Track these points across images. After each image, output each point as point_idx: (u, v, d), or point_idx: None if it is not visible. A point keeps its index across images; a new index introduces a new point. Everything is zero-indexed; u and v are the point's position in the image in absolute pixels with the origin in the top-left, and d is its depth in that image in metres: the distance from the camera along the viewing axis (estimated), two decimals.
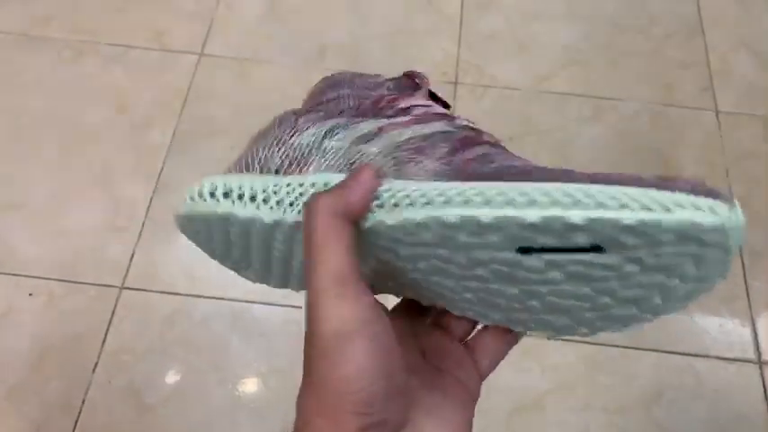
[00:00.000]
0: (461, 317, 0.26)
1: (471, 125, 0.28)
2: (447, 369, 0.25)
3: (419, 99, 0.29)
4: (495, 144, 0.27)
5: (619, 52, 0.96)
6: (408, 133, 0.27)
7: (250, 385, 0.70)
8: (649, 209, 0.19)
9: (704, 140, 0.88)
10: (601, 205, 0.20)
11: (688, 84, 0.93)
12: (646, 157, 0.87)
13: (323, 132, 0.27)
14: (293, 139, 0.26)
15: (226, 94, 0.89)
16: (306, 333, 0.20)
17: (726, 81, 0.93)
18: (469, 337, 0.27)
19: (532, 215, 0.20)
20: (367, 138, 0.26)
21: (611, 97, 0.91)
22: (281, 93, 0.89)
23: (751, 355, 0.73)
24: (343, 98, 0.29)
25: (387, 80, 0.31)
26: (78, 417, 0.68)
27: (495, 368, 0.26)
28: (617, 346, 0.73)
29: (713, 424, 0.70)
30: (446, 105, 0.30)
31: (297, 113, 0.28)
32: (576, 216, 0.19)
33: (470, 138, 0.26)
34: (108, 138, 0.85)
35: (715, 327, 0.75)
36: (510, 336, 0.26)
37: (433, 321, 0.27)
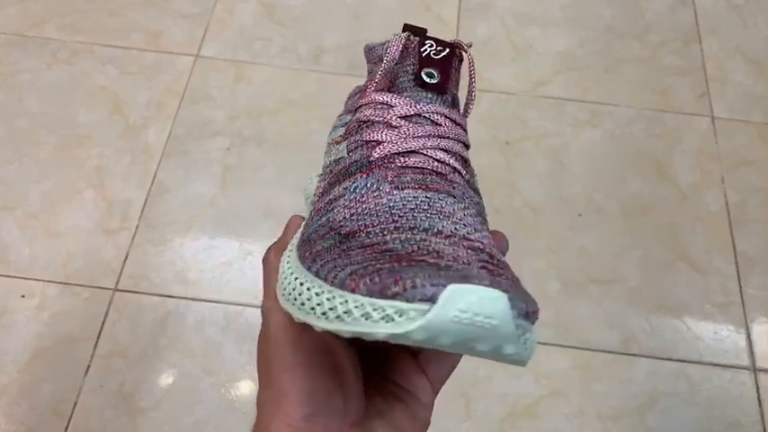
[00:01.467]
0: None
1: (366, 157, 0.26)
2: (402, 380, 0.27)
3: (370, 95, 0.28)
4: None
5: (615, 58, 0.96)
6: (331, 154, 0.27)
7: (243, 389, 0.70)
8: (390, 319, 0.19)
9: (700, 147, 0.88)
10: (357, 321, 0.19)
11: (684, 90, 0.93)
12: (641, 163, 0.87)
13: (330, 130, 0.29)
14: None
15: (221, 97, 0.89)
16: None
17: (722, 88, 0.93)
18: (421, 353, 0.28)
19: (345, 330, 0.19)
20: (330, 146, 0.28)
21: (607, 103, 0.91)
22: (277, 95, 0.89)
23: (745, 361, 0.73)
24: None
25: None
26: (70, 420, 0.67)
27: (443, 382, 0.28)
28: (611, 353, 0.73)
29: (707, 430, 0.70)
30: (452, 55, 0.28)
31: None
32: (348, 332, 0.19)
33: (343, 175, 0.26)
34: (103, 139, 0.85)
35: (709, 333, 0.75)
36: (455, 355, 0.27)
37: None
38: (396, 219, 0.23)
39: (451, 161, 0.26)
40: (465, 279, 0.19)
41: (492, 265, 0.22)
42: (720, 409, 0.71)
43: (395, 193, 0.25)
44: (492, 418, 0.69)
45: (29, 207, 0.79)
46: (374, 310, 0.19)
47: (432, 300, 0.18)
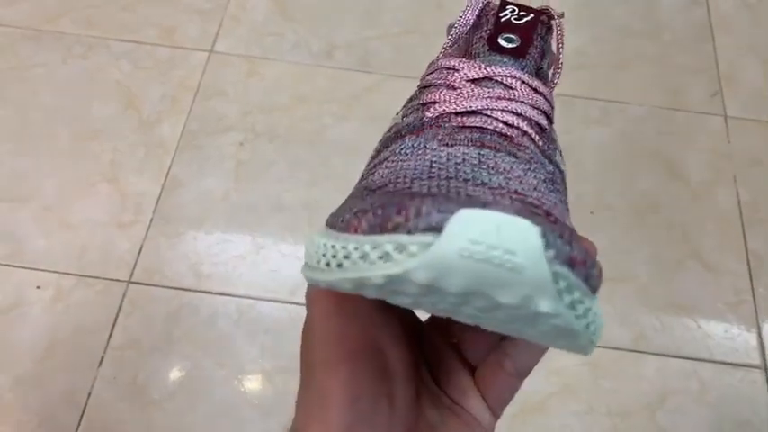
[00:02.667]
0: (479, 342, 0.25)
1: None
2: (456, 395, 0.24)
3: (437, 62, 0.25)
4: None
5: (627, 56, 0.95)
6: (389, 127, 0.25)
7: (255, 382, 0.70)
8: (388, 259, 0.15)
9: (712, 146, 0.88)
10: (355, 265, 0.16)
11: (696, 89, 0.93)
12: (652, 161, 0.87)
13: None
14: None
15: (235, 92, 0.89)
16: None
17: (734, 87, 0.93)
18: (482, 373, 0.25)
19: (344, 279, 0.16)
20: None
21: (619, 101, 0.91)
22: (289, 91, 0.90)
23: (756, 360, 0.73)
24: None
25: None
26: (83, 411, 0.68)
27: (503, 406, 0.25)
28: (621, 350, 0.73)
29: (717, 429, 0.70)
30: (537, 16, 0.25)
31: None
32: (348, 282, 0.16)
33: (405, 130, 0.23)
34: (117, 133, 0.85)
35: (720, 332, 0.75)
36: (513, 379, 0.24)
37: (453, 343, 0.25)
38: (434, 170, 0.20)
39: (522, 124, 0.22)
40: (483, 205, 0.15)
41: (543, 214, 0.17)
42: (731, 407, 0.70)
43: (442, 149, 0.21)
44: (502, 414, 0.69)
45: (44, 200, 0.80)
46: (373, 249, 0.16)
47: (438, 229, 0.15)
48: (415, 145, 0.22)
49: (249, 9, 0.97)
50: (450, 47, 0.26)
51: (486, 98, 0.23)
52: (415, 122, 0.23)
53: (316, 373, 0.21)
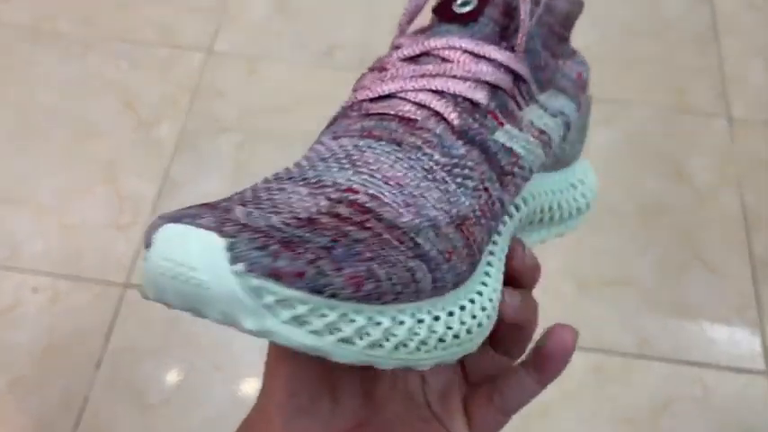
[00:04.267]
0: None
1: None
2: (444, 419, 0.25)
3: (391, 42, 0.24)
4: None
5: (631, 56, 0.95)
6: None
7: (253, 385, 0.70)
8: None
9: (716, 147, 0.87)
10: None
11: (701, 90, 0.92)
12: (657, 163, 0.86)
13: None
14: None
15: (234, 92, 0.89)
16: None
17: (740, 88, 0.92)
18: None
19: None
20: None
21: (623, 101, 0.91)
22: (289, 91, 0.89)
23: (761, 366, 0.72)
24: None
25: None
26: (80, 415, 0.67)
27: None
28: (624, 355, 0.73)
29: None
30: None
31: None
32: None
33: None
34: (115, 134, 0.85)
35: (724, 337, 0.74)
36: (499, 415, 0.25)
37: None
38: (292, 171, 0.20)
39: (437, 104, 0.21)
40: (179, 219, 0.15)
41: (316, 216, 0.17)
42: (735, 413, 0.70)
43: (328, 143, 0.21)
44: None
45: (41, 201, 0.80)
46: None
47: (149, 245, 0.15)
48: (316, 139, 0.22)
49: (248, 9, 0.97)
50: (402, 23, 0.25)
51: (406, 78, 0.22)
52: (336, 113, 0.23)
53: (264, 373, 0.23)
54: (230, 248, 0.14)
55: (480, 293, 0.20)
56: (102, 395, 0.68)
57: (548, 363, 0.24)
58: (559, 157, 0.27)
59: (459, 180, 0.20)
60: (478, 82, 0.22)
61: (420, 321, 0.18)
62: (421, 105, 0.21)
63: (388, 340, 0.17)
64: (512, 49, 0.22)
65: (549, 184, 0.27)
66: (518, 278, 0.24)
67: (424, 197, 0.19)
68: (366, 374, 0.23)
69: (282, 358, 0.22)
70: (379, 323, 0.17)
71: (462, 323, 0.19)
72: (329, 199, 0.18)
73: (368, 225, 0.18)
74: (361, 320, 0.16)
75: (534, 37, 0.23)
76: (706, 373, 0.72)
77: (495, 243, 0.22)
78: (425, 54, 0.23)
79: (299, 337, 0.16)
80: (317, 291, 0.16)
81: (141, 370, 0.70)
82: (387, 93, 0.22)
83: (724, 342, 0.74)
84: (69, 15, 0.94)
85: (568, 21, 0.26)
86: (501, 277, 0.22)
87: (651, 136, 0.88)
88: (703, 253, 0.79)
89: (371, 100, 0.22)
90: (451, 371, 0.25)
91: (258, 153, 0.84)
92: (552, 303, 0.74)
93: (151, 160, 0.83)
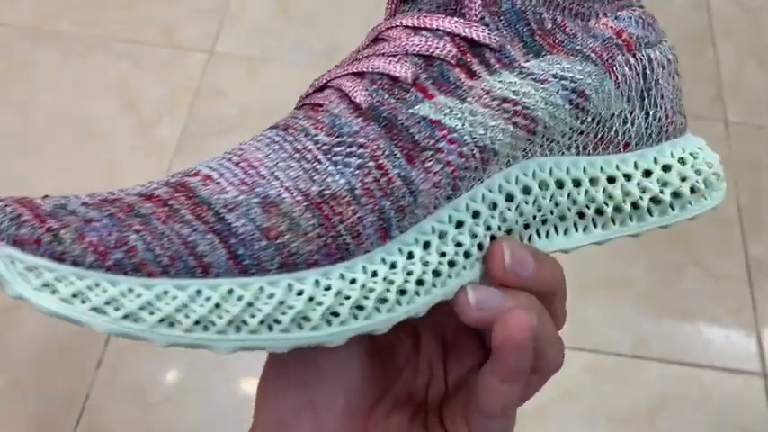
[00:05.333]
0: None
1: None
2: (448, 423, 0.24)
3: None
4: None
5: None
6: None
7: (253, 385, 0.70)
8: None
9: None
10: None
11: (697, 93, 0.93)
12: None
13: None
14: None
15: (235, 93, 0.89)
16: None
17: (735, 92, 0.93)
18: None
19: None
20: None
21: None
22: (291, 92, 0.89)
23: (756, 367, 0.73)
24: None
25: None
26: (81, 414, 0.68)
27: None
28: (621, 356, 0.73)
29: None
30: None
31: None
32: None
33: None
34: (116, 134, 0.85)
35: (720, 338, 0.75)
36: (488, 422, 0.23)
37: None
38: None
39: (347, 85, 0.21)
40: None
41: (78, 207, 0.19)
42: (731, 413, 0.70)
43: (245, 143, 0.21)
44: None
45: None
46: None
47: None
48: None
49: (250, 10, 0.97)
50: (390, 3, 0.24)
51: (341, 66, 0.22)
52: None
53: (255, 408, 0.24)
54: None
55: (349, 279, 0.20)
56: (102, 394, 0.69)
57: (496, 354, 0.21)
58: (611, 135, 0.24)
59: (338, 158, 0.20)
60: (407, 55, 0.21)
61: (207, 299, 0.18)
62: (334, 89, 0.22)
63: (152, 314, 0.18)
64: (464, 15, 0.21)
65: (607, 170, 0.24)
66: (505, 286, 0.22)
67: (274, 176, 0.19)
68: (359, 386, 0.23)
69: (268, 392, 0.23)
70: (139, 295, 0.18)
71: (286, 308, 0.19)
72: (166, 183, 0.19)
73: (170, 202, 0.19)
74: (113, 291, 0.17)
75: None
76: (702, 374, 0.72)
77: (416, 222, 0.21)
78: (377, 39, 0.23)
79: (51, 304, 0.17)
80: (58, 258, 0.17)
81: (142, 370, 0.70)
82: (321, 84, 0.22)
83: (720, 343, 0.74)
84: (71, 15, 0.94)
85: None
86: (444, 266, 0.21)
87: None
88: (699, 255, 0.80)
89: (310, 94, 0.22)
90: (466, 389, 0.24)
91: None
92: None
93: (152, 161, 0.83)
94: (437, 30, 0.21)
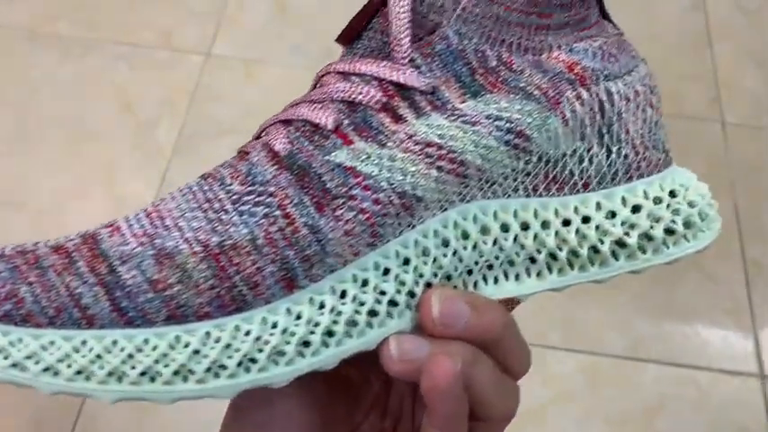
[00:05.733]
0: None
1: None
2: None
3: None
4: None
5: None
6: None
7: None
8: None
9: (710, 152, 0.88)
10: None
11: (695, 95, 0.93)
12: None
13: None
14: None
15: (233, 95, 0.89)
16: None
17: (733, 93, 0.93)
18: None
19: None
20: None
21: None
22: (288, 94, 0.89)
23: (753, 368, 0.73)
24: None
25: None
26: (78, 416, 0.68)
27: None
28: (619, 357, 0.73)
29: None
30: None
31: None
32: None
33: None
34: (113, 136, 0.85)
35: (718, 340, 0.75)
36: None
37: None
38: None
39: (272, 133, 0.21)
40: None
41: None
42: (728, 415, 0.70)
43: (172, 192, 0.22)
44: None
45: (39, 203, 0.80)
46: None
47: None
48: None
49: (247, 12, 0.97)
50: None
51: (276, 114, 0.22)
52: None
53: None
54: None
55: (244, 331, 0.20)
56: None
57: (427, 403, 0.20)
58: (565, 175, 0.22)
59: (245, 208, 0.20)
60: (332, 101, 0.21)
61: (90, 350, 0.19)
62: (259, 137, 0.22)
63: (37, 363, 0.19)
64: (392, 58, 0.21)
65: (562, 212, 0.22)
66: (436, 336, 0.21)
67: (177, 227, 0.20)
68: (313, 419, 0.23)
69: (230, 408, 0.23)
70: (27, 345, 0.19)
71: (169, 360, 0.19)
72: (83, 234, 0.20)
73: (72, 254, 0.20)
74: (3, 341, 0.19)
75: (460, 33, 0.21)
76: (699, 376, 0.72)
77: (332, 270, 0.20)
78: (315, 85, 0.23)
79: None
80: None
81: None
82: (260, 131, 0.22)
83: (717, 344, 0.74)
84: (69, 17, 0.94)
85: (540, 2, 0.22)
86: (362, 316, 0.20)
87: None
88: (697, 256, 0.79)
89: (251, 140, 0.22)
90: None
91: None
92: (547, 306, 0.75)
93: (149, 163, 0.83)
94: (365, 74, 0.21)
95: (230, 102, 0.88)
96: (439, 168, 0.21)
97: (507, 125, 0.21)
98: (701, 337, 0.75)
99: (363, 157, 0.20)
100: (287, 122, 0.21)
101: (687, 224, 0.24)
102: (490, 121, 0.21)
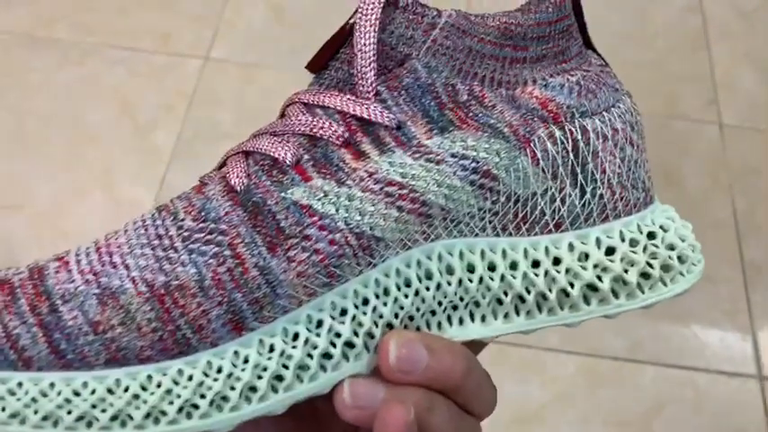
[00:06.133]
0: None
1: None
2: None
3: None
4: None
5: (622, 64, 0.95)
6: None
7: None
8: None
9: (708, 154, 0.88)
10: None
11: (692, 97, 0.93)
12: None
13: None
14: None
15: (231, 99, 0.89)
16: None
17: (730, 95, 0.93)
18: None
19: None
20: None
21: None
22: (285, 98, 0.89)
23: (752, 369, 0.73)
24: None
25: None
26: None
27: None
28: (617, 359, 0.73)
29: None
30: None
31: None
32: None
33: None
34: (112, 140, 0.85)
35: (716, 341, 0.75)
36: None
37: None
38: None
39: (231, 165, 0.21)
40: None
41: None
42: (727, 416, 0.70)
43: (127, 223, 0.22)
44: (497, 423, 0.69)
45: (38, 206, 0.80)
46: None
47: None
48: None
49: (245, 15, 0.97)
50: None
51: (240, 143, 0.21)
52: None
53: None
54: None
55: (187, 375, 0.19)
56: None
57: None
58: (536, 215, 0.22)
59: (195, 246, 0.19)
60: (293, 135, 0.21)
61: (26, 392, 0.18)
62: (220, 168, 0.21)
63: None
64: (357, 92, 0.20)
65: (532, 252, 0.22)
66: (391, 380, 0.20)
67: (125, 264, 0.19)
68: None
69: None
70: None
71: (106, 405, 0.18)
72: (34, 265, 0.20)
73: (16, 290, 0.19)
74: None
75: (429, 67, 0.21)
76: (698, 377, 0.72)
77: (285, 311, 0.19)
78: (281, 114, 0.22)
79: None
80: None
81: None
82: (224, 158, 0.22)
83: (716, 346, 0.75)
84: (67, 22, 0.95)
85: (515, 34, 0.21)
86: (314, 359, 0.20)
87: None
88: None
89: (215, 168, 0.22)
90: None
91: None
92: None
93: (148, 166, 0.83)
94: (328, 107, 0.21)
95: (228, 105, 0.89)
96: (399, 208, 0.20)
97: (473, 164, 0.20)
98: (699, 338, 0.75)
99: (320, 195, 0.20)
100: (248, 154, 0.21)
101: (665, 268, 0.23)
102: (455, 159, 0.20)
